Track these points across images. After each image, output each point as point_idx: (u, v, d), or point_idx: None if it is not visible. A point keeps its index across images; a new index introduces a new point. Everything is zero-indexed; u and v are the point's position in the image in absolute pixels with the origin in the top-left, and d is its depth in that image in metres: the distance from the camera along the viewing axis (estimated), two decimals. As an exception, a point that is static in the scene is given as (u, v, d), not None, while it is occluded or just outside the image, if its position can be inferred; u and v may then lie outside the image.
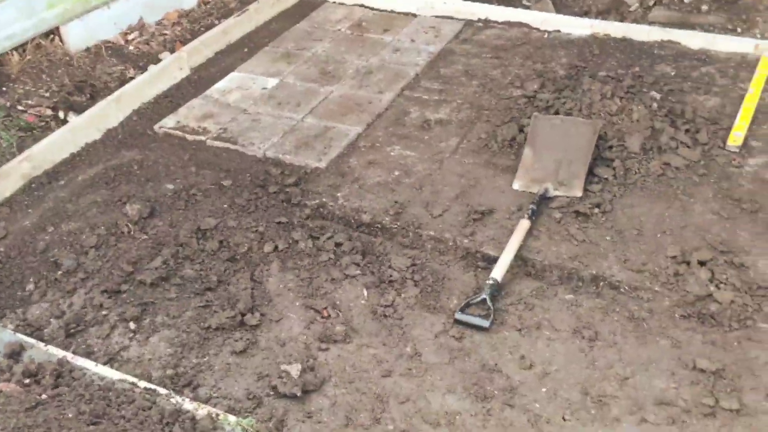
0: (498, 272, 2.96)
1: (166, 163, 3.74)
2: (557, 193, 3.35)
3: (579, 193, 3.32)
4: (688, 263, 2.89)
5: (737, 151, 3.47)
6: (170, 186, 3.55)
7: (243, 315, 2.82)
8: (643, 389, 2.51)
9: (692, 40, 4.38)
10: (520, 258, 3.05)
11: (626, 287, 2.88)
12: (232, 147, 3.84)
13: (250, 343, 2.73)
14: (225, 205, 3.40)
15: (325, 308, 2.85)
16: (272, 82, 4.40)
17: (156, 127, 4.05)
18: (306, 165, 3.67)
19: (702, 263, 2.88)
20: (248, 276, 3.01)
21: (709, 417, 2.40)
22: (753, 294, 2.77)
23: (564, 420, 2.44)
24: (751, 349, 2.61)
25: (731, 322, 2.70)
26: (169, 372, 2.63)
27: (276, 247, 3.14)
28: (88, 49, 4.63)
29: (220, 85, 4.42)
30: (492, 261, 3.04)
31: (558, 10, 4.90)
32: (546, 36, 4.63)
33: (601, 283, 2.93)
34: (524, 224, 3.15)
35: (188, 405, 2.38)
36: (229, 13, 5.18)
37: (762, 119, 3.70)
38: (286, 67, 4.55)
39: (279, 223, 3.28)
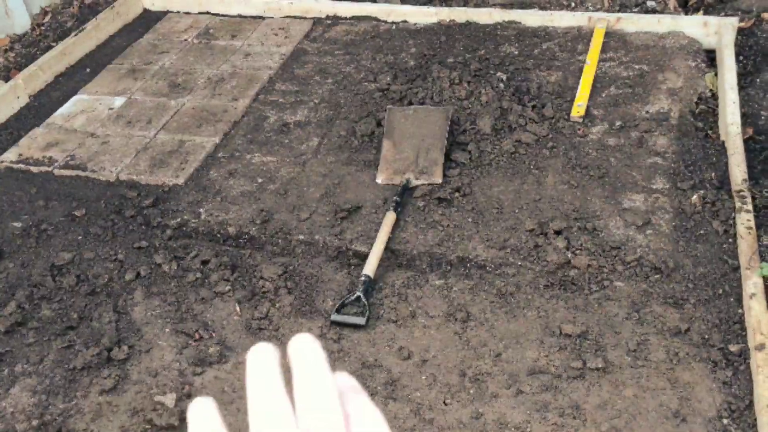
0: (369, 268, 2.97)
1: (11, 200, 3.50)
2: (419, 182, 3.41)
3: (439, 180, 3.39)
4: (546, 234, 3.02)
5: (581, 121, 3.66)
6: (17, 224, 3.33)
7: (109, 350, 2.69)
8: (516, 362, 2.60)
9: (531, 18, 4.56)
10: (389, 250, 3.08)
11: (491, 265, 2.97)
12: (83, 174, 3.65)
13: (120, 378, 2.61)
14: (79, 237, 3.23)
15: (197, 330, 2.76)
16: (119, 101, 4.22)
17: (-4, 162, 3.79)
18: (163, 183, 3.54)
19: (558, 232, 3.01)
20: (111, 308, 2.88)
21: (579, 379, 2.52)
22: (606, 255, 2.92)
23: (445, 404, 2.49)
24: (611, 308, 2.76)
25: (590, 284, 2.84)
26: (35, 422, 2.48)
27: (138, 274, 3.02)
28: None
29: (64, 110, 4.19)
30: (363, 257, 3.05)
31: (403, 1, 4.97)
32: (394, 27, 4.69)
33: (468, 265, 3.00)
34: (390, 217, 3.18)
35: (57, 455, 2.25)
36: (67, 33, 4.91)
37: (600, 88, 3.92)
38: (133, 83, 4.37)
39: (139, 248, 3.15)
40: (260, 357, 0.53)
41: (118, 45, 4.85)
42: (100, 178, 3.61)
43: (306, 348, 0.53)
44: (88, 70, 4.60)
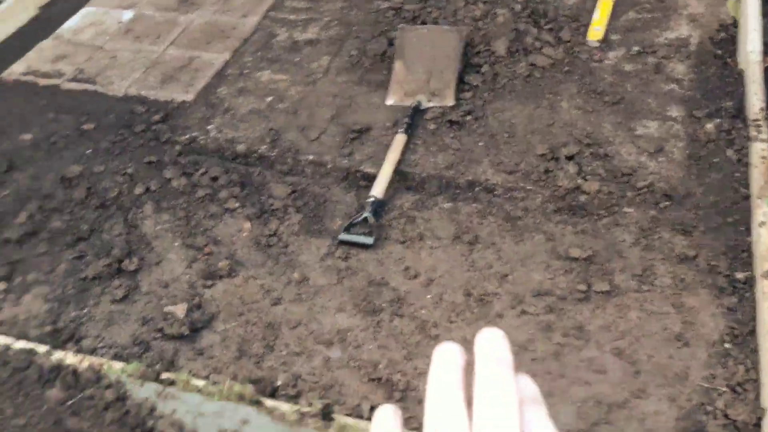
0: (378, 189, 2.96)
1: (21, 113, 3.49)
2: (430, 104, 3.36)
3: (451, 102, 3.35)
4: (557, 159, 3.00)
5: (598, 45, 3.58)
6: (27, 136, 3.33)
7: (120, 261, 2.73)
8: (522, 284, 2.62)
9: (551, -62, 4.40)
10: (399, 172, 3.07)
11: (501, 189, 2.96)
12: (91, 88, 3.61)
13: (131, 288, 2.65)
14: (89, 151, 3.23)
15: (206, 245, 2.79)
16: (128, 14, 4.14)
17: (5, 74, 3.75)
18: (172, 99, 3.51)
19: (569, 158, 2.99)
20: (121, 221, 2.90)
21: (583, 302, 2.54)
22: (617, 181, 2.91)
23: (450, 322, 2.53)
24: (619, 234, 2.76)
25: (599, 210, 2.84)
26: (48, 329, 2.53)
27: (148, 189, 3.03)
28: None
29: (72, 23, 4.12)
30: (372, 179, 3.04)
31: None
32: (409, -55, 4.54)
33: (478, 188, 3.00)
34: (400, 138, 3.16)
35: (71, 359, 2.30)
36: (73, -57, 4.78)
37: (620, 12, 3.82)
38: (142, -3, 4.28)
39: (149, 163, 3.15)
40: (445, 358, 0.53)
41: (126, -43, 4.72)
42: (109, 92, 3.58)
43: (493, 348, 0.53)
44: (95, -18, 4.50)
